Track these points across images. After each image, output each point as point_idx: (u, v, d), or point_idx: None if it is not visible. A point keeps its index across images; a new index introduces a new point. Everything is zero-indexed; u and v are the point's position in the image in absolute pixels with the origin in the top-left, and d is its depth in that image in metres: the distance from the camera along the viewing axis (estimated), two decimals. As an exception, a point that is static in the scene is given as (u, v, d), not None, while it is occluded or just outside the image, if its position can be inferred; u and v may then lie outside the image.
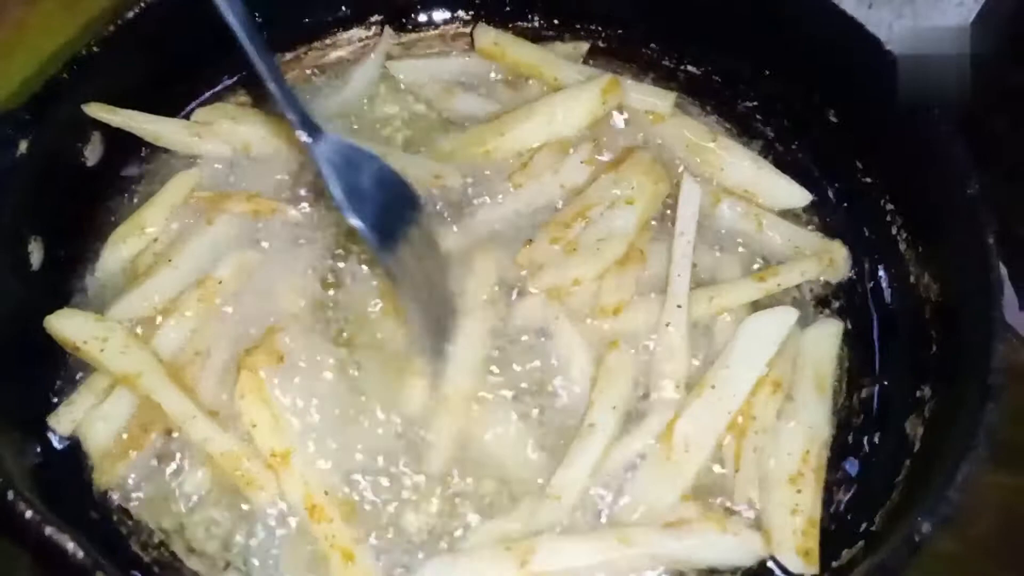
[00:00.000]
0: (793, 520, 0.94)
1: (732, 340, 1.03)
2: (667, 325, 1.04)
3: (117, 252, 1.08)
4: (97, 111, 1.09)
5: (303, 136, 0.93)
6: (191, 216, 1.11)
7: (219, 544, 0.94)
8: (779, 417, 1.01)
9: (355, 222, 0.91)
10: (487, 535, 0.93)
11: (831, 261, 1.12)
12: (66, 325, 1.00)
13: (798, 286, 1.11)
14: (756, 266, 1.12)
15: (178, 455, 0.98)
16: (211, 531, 0.95)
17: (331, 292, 1.07)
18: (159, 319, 1.03)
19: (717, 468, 0.99)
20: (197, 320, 1.03)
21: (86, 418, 0.98)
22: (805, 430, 1.00)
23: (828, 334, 1.07)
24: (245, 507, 0.95)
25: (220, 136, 1.15)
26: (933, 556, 1.02)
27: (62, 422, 0.98)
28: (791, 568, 0.93)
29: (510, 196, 1.14)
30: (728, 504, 0.97)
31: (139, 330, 1.03)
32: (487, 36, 1.27)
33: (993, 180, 1.16)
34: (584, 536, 0.93)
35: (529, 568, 0.90)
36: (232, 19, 0.88)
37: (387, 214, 0.94)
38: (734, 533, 0.93)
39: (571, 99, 1.18)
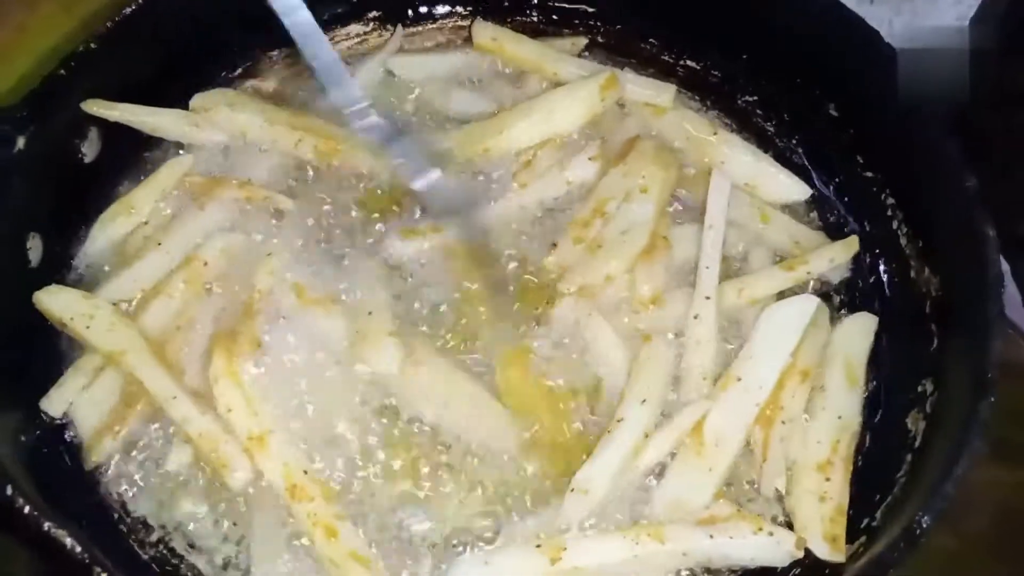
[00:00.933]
0: (821, 507, 0.94)
1: (754, 330, 1.03)
2: (695, 317, 1.04)
3: (105, 232, 1.09)
4: (95, 107, 1.09)
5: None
6: (183, 201, 1.11)
7: (217, 539, 0.94)
8: (809, 407, 1.01)
9: None
10: (518, 532, 0.94)
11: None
12: (54, 301, 1.01)
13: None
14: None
15: (163, 434, 0.98)
16: (204, 522, 0.94)
17: (313, 278, 1.06)
18: (147, 300, 1.04)
19: (746, 458, 0.99)
20: (183, 301, 1.04)
21: (77, 399, 0.98)
22: (834, 420, 1.00)
23: (861, 327, 1.07)
24: (227, 492, 0.95)
25: (217, 124, 1.15)
26: (931, 551, 1.02)
27: (54, 404, 0.98)
28: (819, 554, 0.93)
29: (514, 194, 1.13)
30: (755, 494, 0.98)
31: (128, 310, 1.03)
32: (485, 31, 1.26)
33: (990, 178, 1.17)
34: (616, 532, 0.93)
35: (560, 565, 0.90)
36: None
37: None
38: (769, 533, 0.92)
39: (569, 96, 1.18)
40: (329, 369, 1.01)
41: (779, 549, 0.92)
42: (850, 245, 1.11)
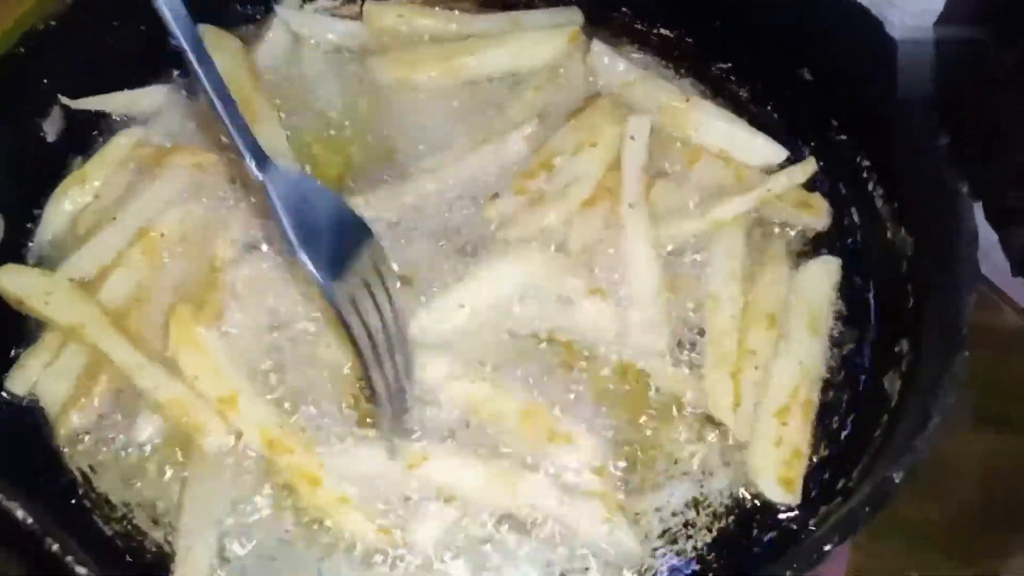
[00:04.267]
0: (776, 451, 0.95)
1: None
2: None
3: (60, 207, 1.08)
4: (72, 102, 1.10)
5: (254, 171, 0.92)
6: (136, 173, 1.10)
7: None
8: (774, 353, 1.01)
9: (304, 258, 0.90)
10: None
11: (811, 208, 1.12)
12: (8, 280, 1.00)
13: (783, 240, 1.11)
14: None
15: (128, 409, 0.97)
16: (167, 498, 0.93)
17: (265, 247, 1.06)
18: (105, 273, 1.03)
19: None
20: (141, 273, 1.03)
21: (41, 376, 0.97)
22: (796, 366, 1.00)
23: (824, 271, 1.07)
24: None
25: None
26: (915, 522, 1.03)
27: (16, 383, 0.97)
28: (771, 496, 0.93)
29: (450, 167, 1.12)
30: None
31: (85, 285, 1.02)
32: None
33: (980, 151, 1.16)
34: (479, 463, 0.93)
35: (415, 471, 0.92)
36: (178, 33, 0.89)
37: (340, 248, 0.93)
38: (612, 527, 0.90)
39: (540, 37, 1.22)
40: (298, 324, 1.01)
41: (614, 543, 0.90)
42: (792, 174, 1.11)
